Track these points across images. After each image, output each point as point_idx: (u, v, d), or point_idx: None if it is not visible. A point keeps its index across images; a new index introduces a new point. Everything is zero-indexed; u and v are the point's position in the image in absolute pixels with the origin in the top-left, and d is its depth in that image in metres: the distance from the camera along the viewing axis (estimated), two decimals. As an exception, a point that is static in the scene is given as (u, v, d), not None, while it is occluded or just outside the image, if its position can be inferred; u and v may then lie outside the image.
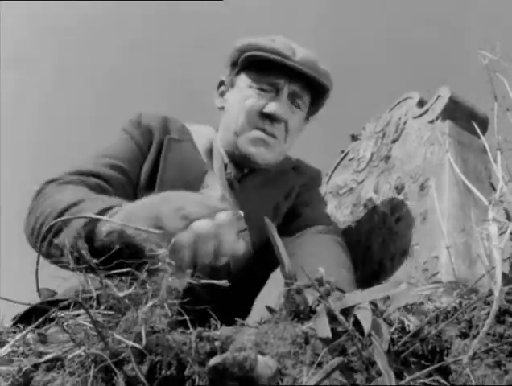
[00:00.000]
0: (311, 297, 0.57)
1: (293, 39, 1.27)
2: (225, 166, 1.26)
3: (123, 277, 0.53)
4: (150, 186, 1.14)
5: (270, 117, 1.18)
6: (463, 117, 1.42)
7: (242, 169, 1.28)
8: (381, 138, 1.64)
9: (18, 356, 0.49)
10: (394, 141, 1.57)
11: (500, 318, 0.56)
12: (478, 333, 0.56)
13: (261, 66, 1.20)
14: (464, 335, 0.58)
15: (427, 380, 0.49)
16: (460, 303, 0.60)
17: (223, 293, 0.69)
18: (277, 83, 1.20)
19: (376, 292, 0.58)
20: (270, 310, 0.60)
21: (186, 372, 0.52)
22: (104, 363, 0.48)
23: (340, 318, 0.51)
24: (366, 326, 0.54)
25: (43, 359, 0.47)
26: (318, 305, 0.57)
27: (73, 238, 0.63)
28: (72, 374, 0.46)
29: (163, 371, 0.52)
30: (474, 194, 1.16)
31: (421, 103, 1.56)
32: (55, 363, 0.48)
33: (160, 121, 1.24)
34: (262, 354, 0.56)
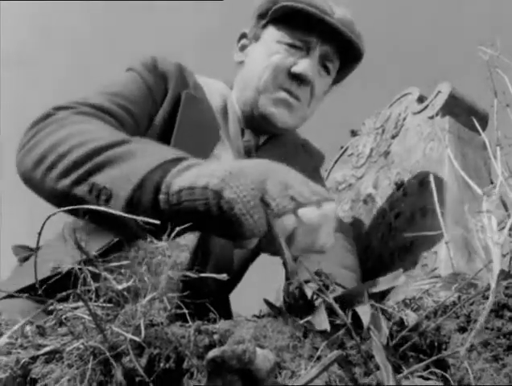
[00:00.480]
0: (309, 291, 0.57)
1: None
2: (242, 131, 1.15)
3: (122, 270, 0.53)
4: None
5: (298, 78, 1.07)
6: (463, 112, 1.42)
7: (259, 135, 1.17)
8: (381, 134, 1.64)
9: (16, 348, 0.49)
10: (393, 137, 1.56)
11: (498, 312, 0.56)
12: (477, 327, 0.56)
13: (293, 19, 1.08)
14: (462, 329, 0.58)
15: (424, 373, 0.49)
16: (459, 297, 0.60)
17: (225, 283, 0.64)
18: (309, 40, 1.08)
19: (375, 285, 0.59)
20: (269, 304, 0.60)
21: (184, 365, 0.52)
22: (102, 355, 0.48)
23: (339, 311, 0.51)
24: (365, 320, 0.54)
25: (41, 352, 0.47)
26: (317, 299, 0.57)
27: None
28: (70, 366, 0.46)
29: (162, 364, 0.52)
30: (474, 189, 1.16)
31: (421, 99, 1.56)
32: (53, 356, 0.48)
33: (178, 69, 1.09)
34: (261, 347, 0.56)
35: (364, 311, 0.54)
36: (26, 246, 1.09)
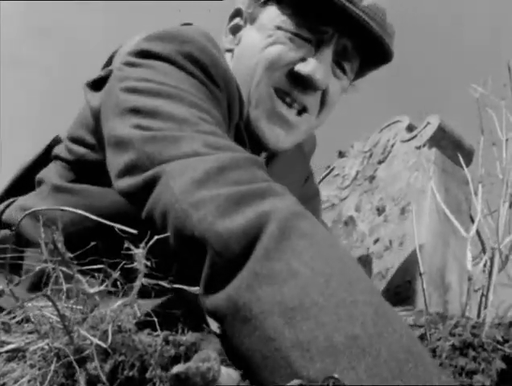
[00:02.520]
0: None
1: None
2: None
3: (96, 274, 0.53)
4: None
5: (304, 80, 0.80)
6: (449, 146, 1.44)
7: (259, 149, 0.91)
8: (368, 158, 1.66)
9: (-21, 344, 0.48)
10: (380, 162, 1.58)
11: (463, 350, 0.57)
12: (442, 364, 0.57)
13: (305, 2, 0.79)
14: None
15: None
16: (425, 333, 0.61)
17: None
18: (323, 31, 0.81)
19: None
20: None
21: (148, 375, 0.52)
22: (67, 358, 0.47)
23: None
24: None
25: (4, 349, 0.47)
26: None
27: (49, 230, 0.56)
28: (32, 366, 0.46)
29: (125, 372, 0.52)
30: (453, 223, 1.18)
31: (410, 128, 1.58)
32: (16, 354, 0.47)
33: (233, 80, 0.80)
34: (227, 364, 0.56)
35: None
36: None
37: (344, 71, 0.86)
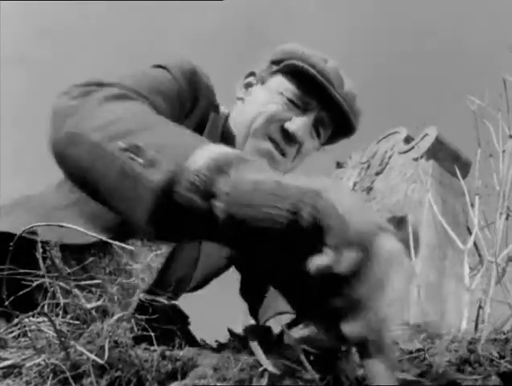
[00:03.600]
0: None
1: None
2: None
3: (93, 289, 0.53)
4: None
5: (289, 135, 1.07)
6: (447, 158, 1.45)
7: None
8: (366, 169, 1.67)
9: (-25, 359, 0.48)
10: (377, 174, 1.59)
11: (460, 367, 0.57)
12: (437, 379, 0.57)
13: (302, 79, 1.10)
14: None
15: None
16: (422, 348, 0.61)
17: None
18: (309, 103, 1.09)
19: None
20: (232, 333, 0.61)
21: (144, 390, 0.52)
22: (63, 374, 0.47)
23: (309, 368, 0.51)
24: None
25: (0, 365, 0.47)
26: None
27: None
28: (28, 383, 0.45)
29: (122, 388, 0.52)
30: (450, 235, 1.19)
31: (408, 139, 1.59)
32: (12, 370, 0.47)
33: (210, 87, 1.08)
34: (224, 379, 0.56)
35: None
36: None
37: (318, 134, 1.14)
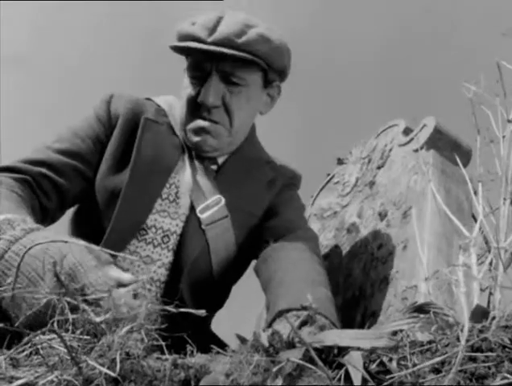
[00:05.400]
0: (287, 331, 0.58)
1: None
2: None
3: (101, 302, 0.53)
4: (121, 167, 1.13)
5: (204, 105, 1.14)
6: (447, 147, 1.45)
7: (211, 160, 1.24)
8: (367, 164, 1.66)
9: (-12, 381, 0.48)
10: (379, 168, 1.59)
11: (472, 356, 0.57)
12: (451, 369, 0.57)
13: (188, 54, 1.18)
14: (436, 371, 0.59)
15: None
16: (433, 340, 0.61)
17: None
18: (204, 67, 1.15)
19: (356, 339, 0.59)
20: (241, 338, 0.61)
21: (159, 400, 0.52)
22: (76, 389, 0.47)
23: (321, 365, 0.51)
24: (357, 382, 0.53)
25: (13, 384, 0.47)
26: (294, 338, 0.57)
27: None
28: (42, 400, 0.46)
29: (136, 399, 0.52)
30: (455, 224, 1.18)
31: (406, 131, 1.58)
32: (26, 389, 0.48)
33: (133, 102, 1.22)
34: (237, 384, 0.56)
35: (355, 373, 0.54)
36: None
37: (237, 84, 1.16)
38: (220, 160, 1.25)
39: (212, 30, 1.12)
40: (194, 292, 1.13)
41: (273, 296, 1.00)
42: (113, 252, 0.52)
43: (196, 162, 1.21)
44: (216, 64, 1.14)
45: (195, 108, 1.16)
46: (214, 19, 1.13)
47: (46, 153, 1.09)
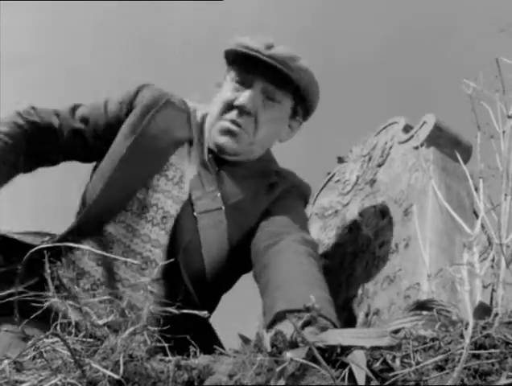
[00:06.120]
0: (290, 331, 0.58)
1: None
2: (209, 150, 1.28)
3: (103, 305, 0.53)
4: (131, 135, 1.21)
5: (239, 108, 1.22)
6: (447, 143, 1.44)
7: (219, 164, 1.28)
8: (367, 162, 1.66)
9: (-7, 385, 0.48)
10: (379, 166, 1.58)
11: (475, 352, 0.57)
12: (454, 366, 0.56)
13: (239, 61, 1.26)
14: (440, 368, 0.59)
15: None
16: (436, 337, 0.61)
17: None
18: (249, 77, 1.23)
19: (359, 338, 0.58)
20: (244, 338, 0.61)
21: (162, 402, 0.52)
22: (80, 392, 0.48)
23: (324, 364, 0.51)
24: (360, 380, 0.53)
25: (18, 388, 0.47)
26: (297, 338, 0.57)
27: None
28: (47, 404, 0.46)
29: (140, 401, 0.52)
30: (457, 221, 1.18)
31: (406, 128, 1.58)
32: (30, 393, 0.48)
33: (161, 90, 1.31)
34: (241, 384, 0.56)
35: (359, 372, 0.54)
36: None
37: (272, 103, 1.25)
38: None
39: (269, 47, 1.21)
40: (193, 280, 1.14)
41: (270, 299, 1.01)
42: (113, 256, 0.52)
43: (203, 151, 1.26)
44: (261, 78, 1.23)
45: (228, 110, 1.24)
46: (270, 40, 1.23)
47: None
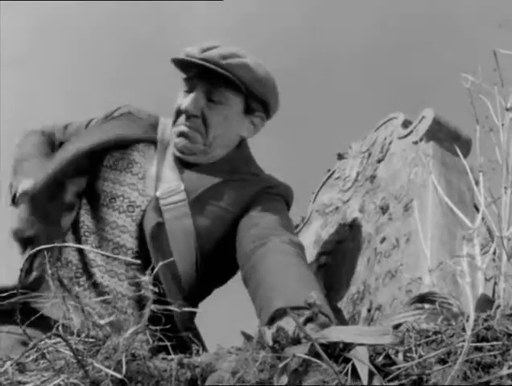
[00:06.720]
0: (291, 328, 0.58)
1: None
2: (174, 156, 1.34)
3: (104, 305, 0.53)
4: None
5: (185, 113, 1.28)
6: (446, 138, 1.44)
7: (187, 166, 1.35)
8: (367, 158, 1.66)
9: (-4, 386, 0.48)
10: (379, 161, 1.58)
11: (478, 345, 0.57)
12: (456, 359, 0.57)
13: (183, 70, 1.34)
14: (443, 361, 0.59)
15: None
16: (438, 330, 0.61)
17: None
18: (192, 82, 1.30)
19: (361, 335, 0.58)
20: (246, 335, 0.61)
21: (166, 400, 0.52)
22: (83, 392, 0.48)
23: (327, 360, 0.51)
24: (363, 376, 0.53)
25: (21, 389, 0.47)
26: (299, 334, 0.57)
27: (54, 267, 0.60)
28: (50, 404, 0.46)
29: (143, 400, 0.52)
30: (457, 215, 1.18)
31: (405, 124, 1.58)
32: (33, 393, 0.48)
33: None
34: (244, 381, 0.56)
35: (362, 367, 0.54)
36: None
37: (218, 102, 1.29)
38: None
39: (205, 50, 1.26)
40: (165, 271, 1.15)
41: (265, 299, 1.00)
42: (107, 254, 0.52)
43: (167, 154, 1.34)
44: (202, 80, 1.28)
45: (178, 117, 1.32)
46: (212, 44, 1.27)
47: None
